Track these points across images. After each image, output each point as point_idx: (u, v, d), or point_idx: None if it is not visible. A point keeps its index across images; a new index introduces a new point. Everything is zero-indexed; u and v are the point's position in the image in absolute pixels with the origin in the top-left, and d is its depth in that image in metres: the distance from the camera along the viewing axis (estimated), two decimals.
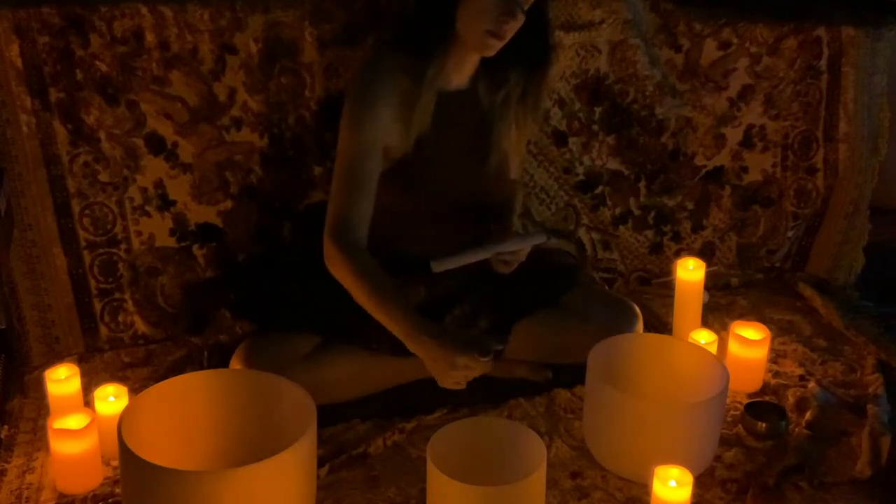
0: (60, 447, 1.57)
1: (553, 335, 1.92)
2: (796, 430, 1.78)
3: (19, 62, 1.84)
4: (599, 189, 2.32)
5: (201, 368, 1.89)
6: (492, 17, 1.65)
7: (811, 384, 1.93)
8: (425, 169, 1.78)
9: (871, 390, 1.90)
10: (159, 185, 1.99)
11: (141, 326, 2.06)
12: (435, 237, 1.83)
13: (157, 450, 1.41)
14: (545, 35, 1.78)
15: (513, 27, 1.67)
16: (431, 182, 1.80)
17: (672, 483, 1.44)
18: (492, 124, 1.84)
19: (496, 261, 1.82)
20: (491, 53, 1.72)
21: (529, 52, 1.76)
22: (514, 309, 1.93)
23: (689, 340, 1.88)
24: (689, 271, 2.03)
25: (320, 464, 1.57)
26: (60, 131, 1.91)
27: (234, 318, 1.97)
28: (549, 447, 1.67)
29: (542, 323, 1.93)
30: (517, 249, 1.82)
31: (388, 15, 1.98)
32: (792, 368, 2.00)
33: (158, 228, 2.02)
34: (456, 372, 1.61)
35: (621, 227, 2.36)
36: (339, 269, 1.69)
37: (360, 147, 1.72)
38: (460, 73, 1.79)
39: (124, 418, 1.40)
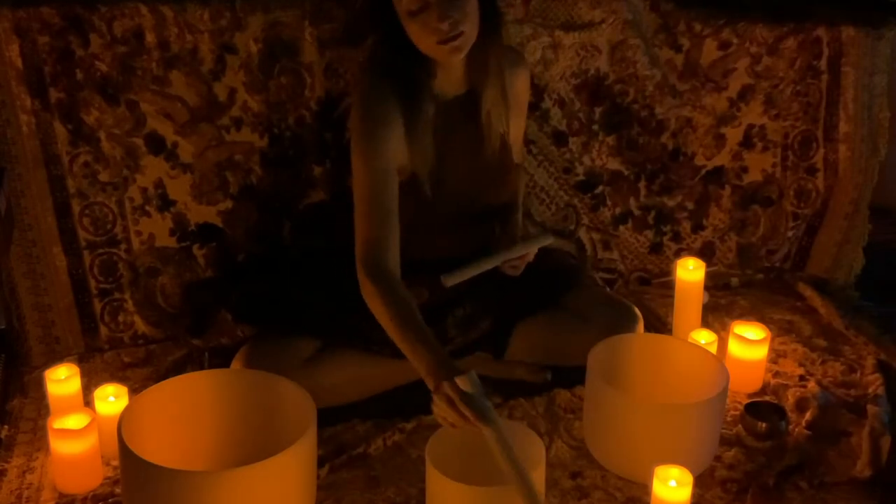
0: (60, 447, 1.57)
1: (553, 336, 1.92)
2: (796, 430, 1.78)
3: (19, 62, 1.84)
4: (599, 189, 2.32)
5: (201, 369, 1.89)
6: (431, 28, 1.61)
7: (811, 384, 1.92)
8: (434, 178, 1.77)
9: (871, 390, 1.90)
10: (159, 185, 2.00)
11: (141, 326, 2.06)
12: (445, 244, 1.82)
13: (157, 450, 1.41)
14: (491, 3, 1.72)
15: (455, 22, 1.61)
16: (440, 190, 1.79)
17: (672, 483, 1.44)
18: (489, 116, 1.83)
19: (505, 266, 1.82)
20: (460, 55, 1.67)
21: (482, 23, 1.69)
22: (515, 310, 1.93)
23: (689, 340, 1.88)
24: (689, 271, 2.03)
25: (320, 464, 1.57)
26: (60, 131, 1.91)
27: (236, 322, 1.97)
28: (549, 447, 1.67)
29: (542, 324, 1.93)
30: (525, 253, 1.82)
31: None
32: (792, 368, 2.00)
33: (158, 228, 2.02)
34: (440, 401, 1.48)
35: (621, 227, 2.36)
36: (371, 302, 1.64)
37: (375, 174, 1.69)
38: (450, 81, 1.76)
39: (124, 418, 1.40)
